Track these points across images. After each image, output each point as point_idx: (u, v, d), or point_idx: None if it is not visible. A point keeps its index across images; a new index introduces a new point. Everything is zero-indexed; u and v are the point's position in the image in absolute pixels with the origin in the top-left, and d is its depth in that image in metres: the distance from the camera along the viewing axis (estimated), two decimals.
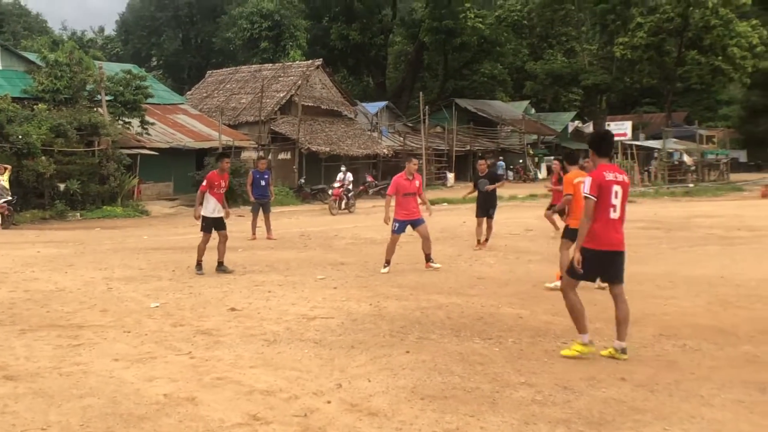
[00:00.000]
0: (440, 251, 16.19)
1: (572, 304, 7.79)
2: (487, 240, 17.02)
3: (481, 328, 8.97)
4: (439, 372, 7.14)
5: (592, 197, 7.59)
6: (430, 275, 13.23)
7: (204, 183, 14.13)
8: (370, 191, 42.17)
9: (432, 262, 14.07)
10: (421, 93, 52.76)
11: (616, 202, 7.66)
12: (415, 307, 10.26)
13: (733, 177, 53.99)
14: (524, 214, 27.05)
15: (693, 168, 52.98)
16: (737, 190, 42.94)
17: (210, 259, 13.98)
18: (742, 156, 70.89)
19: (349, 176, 32.86)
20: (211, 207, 14.11)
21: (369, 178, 44.34)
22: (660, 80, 70.48)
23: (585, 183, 7.75)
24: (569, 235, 11.36)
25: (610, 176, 7.67)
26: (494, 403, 6.24)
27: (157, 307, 10.64)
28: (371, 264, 14.68)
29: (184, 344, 8.42)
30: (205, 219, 14.15)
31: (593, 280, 7.91)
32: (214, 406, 6.25)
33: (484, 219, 17.01)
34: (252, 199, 20.99)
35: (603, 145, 8.04)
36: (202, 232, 14.17)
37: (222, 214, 14.23)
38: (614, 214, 7.66)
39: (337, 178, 32.53)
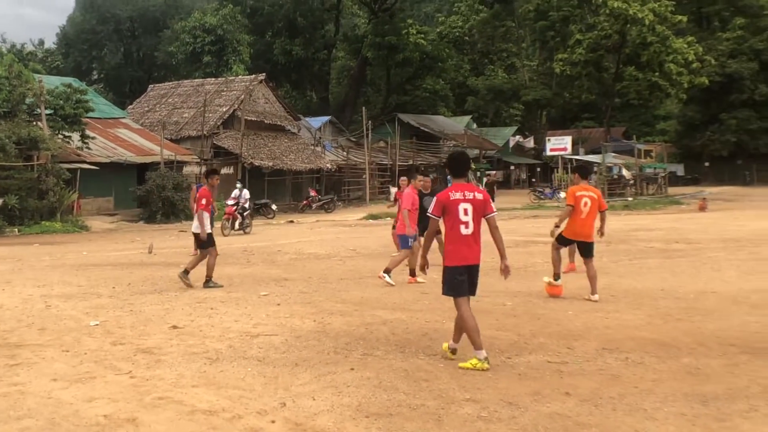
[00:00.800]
0: (384, 266, 16.16)
1: (464, 318, 8.01)
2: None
3: (426, 344, 8.94)
4: (384, 389, 7.09)
5: (435, 217, 8.09)
6: (373, 290, 13.19)
7: (204, 202, 14.05)
8: (314, 206, 42.11)
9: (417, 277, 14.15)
10: (364, 108, 53.00)
11: (467, 218, 8.01)
12: (359, 323, 10.20)
13: (671, 190, 54.91)
14: None
15: (632, 182, 53.78)
16: (675, 204, 43.67)
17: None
18: (679, 170, 72.17)
19: (246, 193, 29.64)
20: (209, 222, 14.37)
21: (312, 193, 44.27)
22: (599, 96, 71.63)
23: (432, 202, 8.23)
24: (561, 241, 12.65)
25: (456, 195, 8.04)
26: (439, 420, 6.20)
27: (96, 325, 10.44)
28: (315, 280, 14.61)
29: (124, 363, 8.25)
30: (209, 235, 14.17)
31: (472, 294, 8.19)
32: (155, 427, 6.13)
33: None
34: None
35: (456, 165, 8.45)
36: (208, 248, 14.05)
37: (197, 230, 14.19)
38: (466, 231, 8.02)
39: (232, 195, 29.63)
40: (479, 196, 8.11)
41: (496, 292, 12.64)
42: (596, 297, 11.81)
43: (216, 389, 7.19)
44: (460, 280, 8.04)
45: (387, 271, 13.79)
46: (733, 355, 8.27)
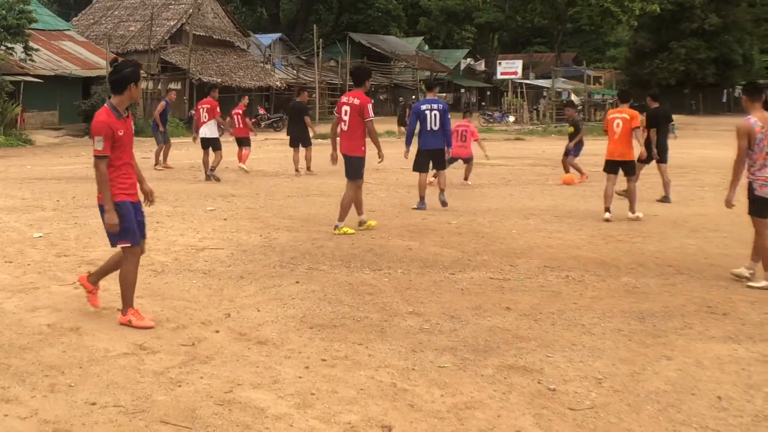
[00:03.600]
0: (331, 184, 16.19)
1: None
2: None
3: (371, 260, 9.03)
4: (329, 302, 7.18)
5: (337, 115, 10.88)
6: (320, 207, 13.21)
7: (216, 111, 17.83)
8: (263, 124, 41.68)
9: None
10: (315, 26, 52.23)
11: (346, 118, 10.57)
12: (305, 239, 10.25)
13: None
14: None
15: (580, 107, 54.04)
16: None
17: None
18: None
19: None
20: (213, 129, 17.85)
21: (261, 111, 43.78)
22: (551, 20, 71.34)
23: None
24: (605, 167, 12.71)
25: (343, 99, 10.74)
26: (383, 331, 6.31)
27: (40, 237, 10.35)
28: (262, 196, 14.59)
29: (68, 275, 8.22)
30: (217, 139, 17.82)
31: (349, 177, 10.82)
32: (99, 335, 6.14)
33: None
34: (162, 129, 20.60)
35: (356, 74, 11.08)
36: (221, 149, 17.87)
37: (216, 135, 17.81)
38: (344, 127, 10.63)
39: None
40: (357, 101, 10.47)
41: (441, 211, 12.77)
42: (636, 215, 12.23)
43: (161, 300, 7.21)
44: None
45: None
46: (671, 275, 8.48)
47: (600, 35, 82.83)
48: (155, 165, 20.23)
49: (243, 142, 19.61)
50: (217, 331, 6.27)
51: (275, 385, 5.14)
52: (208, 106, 17.95)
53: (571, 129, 17.97)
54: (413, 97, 60.41)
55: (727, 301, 7.36)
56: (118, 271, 6.56)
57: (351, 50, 58.13)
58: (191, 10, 44.25)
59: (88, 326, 6.36)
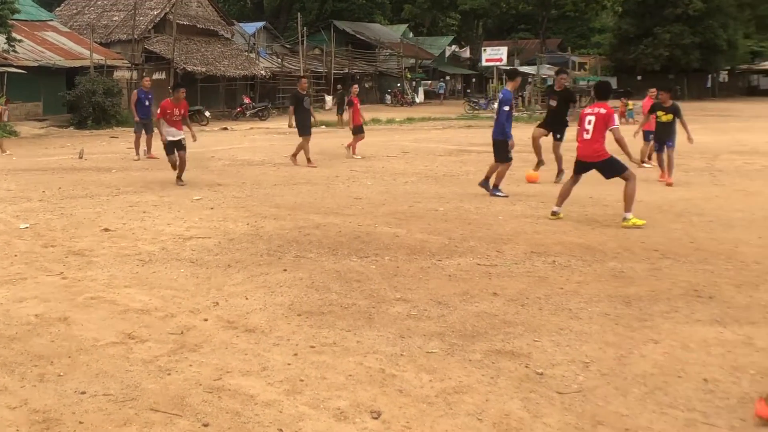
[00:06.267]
0: (318, 173, 16.21)
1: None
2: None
3: (358, 247, 9.04)
4: (317, 289, 7.19)
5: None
6: (306, 195, 13.21)
7: (158, 111, 15.14)
8: (248, 113, 41.55)
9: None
10: (299, 14, 52.04)
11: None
12: (292, 227, 10.25)
13: None
14: (402, 137, 27.25)
15: None
16: None
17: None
18: (612, 83, 72.49)
19: None
20: (171, 132, 15.07)
21: (246, 100, 43.60)
22: (536, 6, 71.48)
23: None
24: None
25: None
26: (371, 318, 6.33)
27: (27, 228, 10.32)
28: (248, 185, 14.58)
29: (55, 265, 8.21)
30: (168, 142, 15.14)
31: None
32: (87, 325, 6.14)
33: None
34: (137, 118, 20.50)
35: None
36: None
37: (179, 137, 15.05)
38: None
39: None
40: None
41: (428, 198, 12.79)
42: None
43: (149, 289, 7.21)
44: None
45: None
46: (656, 259, 8.52)
47: (585, 21, 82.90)
48: (135, 157, 20.07)
49: None
50: (206, 320, 6.28)
51: (264, 372, 5.16)
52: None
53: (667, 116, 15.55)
54: (398, 84, 60.40)
55: (713, 285, 7.40)
56: None
57: (336, 38, 57.98)
58: (175, 0, 44.02)
59: (76, 316, 6.36)
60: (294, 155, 18.29)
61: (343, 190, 13.96)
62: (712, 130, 28.62)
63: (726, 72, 78.50)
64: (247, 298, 6.89)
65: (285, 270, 7.92)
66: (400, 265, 8.20)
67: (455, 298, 6.92)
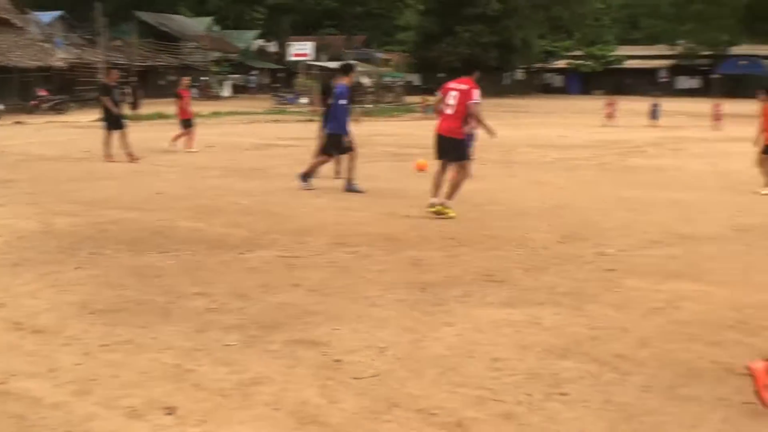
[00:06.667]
0: (119, 167, 15.75)
1: None
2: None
3: (158, 242, 8.81)
4: (111, 286, 6.95)
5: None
6: (105, 191, 12.77)
7: None
8: (44, 106, 39.70)
9: None
10: (98, 3, 50.14)
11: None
12: (87, 223, 9.85)
13: (408, 99, 56.46)
14: (207, 132, 26.83)
15: (372, 90, 54.90)
16: (411, 112, 45.24)
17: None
18: (416, 80, 74.28)
19: None
20: None
21: (43, 93, 41.63)
22: (341, 3, 72.00)
23: None
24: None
25: None
26: (167, 313, 6.18)
27: None
28: (43, 181, 13.94)
29: None
30: None
31: None
32: None
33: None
34: None
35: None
36: None
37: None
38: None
39: None
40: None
41: (232, 192, 12.67)
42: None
43: None
44: None
45: None
46: (453, 247, 8.78)
47: (389, 19, 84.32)
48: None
49: None
50: None
51: (52, 373, 4.93)
52: None
53: None
54: (203, 78, 59.38)
55: (505, 270, 7.70)
56: None
57: (139, 30, 56.41)
58: None
59: None
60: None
61: (145, 184, 13.59)
62: (508, 125, 29.77)
63: (523, 70, 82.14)
64: (35, 298, 6.57)
65: (78, 268, 7.60)
66: (200, 259, 8.06)
67: (256, 290, 6.86)
